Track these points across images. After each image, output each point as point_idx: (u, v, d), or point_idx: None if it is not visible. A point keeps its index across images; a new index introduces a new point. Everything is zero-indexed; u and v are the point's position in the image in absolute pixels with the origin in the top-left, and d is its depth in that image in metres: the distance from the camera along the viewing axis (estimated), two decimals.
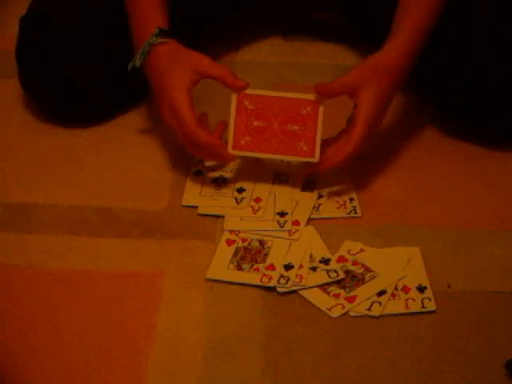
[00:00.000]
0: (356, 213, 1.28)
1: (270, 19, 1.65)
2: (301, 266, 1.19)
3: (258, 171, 1.34)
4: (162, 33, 1.27)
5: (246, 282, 1.18)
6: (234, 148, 1.26)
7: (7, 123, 1.46)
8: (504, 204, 1.31)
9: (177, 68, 1.25)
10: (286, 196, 1.29)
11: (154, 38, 1.26)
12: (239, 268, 1.20)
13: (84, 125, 1.43)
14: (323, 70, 1.55)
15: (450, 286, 1.18)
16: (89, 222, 1.27)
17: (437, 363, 1.09)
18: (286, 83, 1.52)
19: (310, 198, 1.29)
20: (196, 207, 1.29)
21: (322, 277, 1.18)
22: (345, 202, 1.30)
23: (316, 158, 1.25)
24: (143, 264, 1.22)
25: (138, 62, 1.28)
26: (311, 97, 1.24)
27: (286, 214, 1.26)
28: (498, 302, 1.16)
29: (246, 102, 1.25)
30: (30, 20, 1.42)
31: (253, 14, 1.61)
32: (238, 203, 1.29)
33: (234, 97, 1.25)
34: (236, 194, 1.30)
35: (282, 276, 1.18)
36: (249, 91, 1.25)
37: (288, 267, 1.19)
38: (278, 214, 1.26)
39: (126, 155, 1.39)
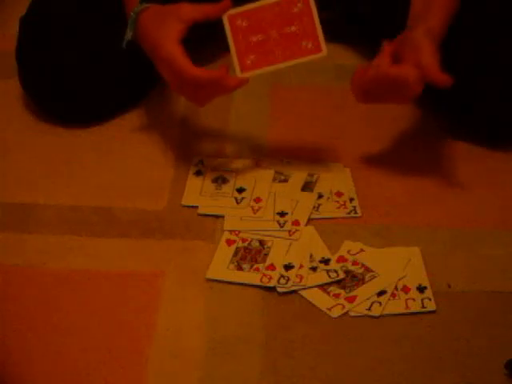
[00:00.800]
0: (356, 213, 1.28)
1: None
2: (301, 266, 1.19)
3: (258, 171, 1.34)
4: (145, 0, 1.27)
5: (245, 281, 1.18)
6: (242, 70, 1.23)
7: (7, 123, 1.46)
8: (504, 204, 1.31)
9: (162, 24, 1.24)
10: (286, 196, 1.29)
11: (139, 6, 1.27)
12: (239, 268, 1.20)
13: (84, 125, 1.43)
14: (323, 70, 1.55)
15: (450, 286, 1.18)
16: (89, 222, 1.27)
17: (437, 363, 1.09)
18: (286, 83, 1.52)
19: (310, 198, 1.29)
20: (196, 207, 1.29)
21: (321, 277, 1.18)
22: (345, 201, 1.30)
23: (324, 52, 1.22)
24: (143, 264, 1.22)
25: (128, 35, 1.28)
26: None
27: (286, 214, 1.26)
28: (498, 302, 1.16)
29: (239, 21, 1.23)
30: (30, 20, 1.42)
31: None
32: (238, 203, 1.29)
33: (225, 21, 1.23)
34: (236, 194, 1.30)
35: (282, 276, 1.18)
36: (237, 10, 1.23)
37: (288, 267, 1.19)
38: (278, 213, 1.26)
39: (126, 155, 1.39)
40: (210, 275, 1.19)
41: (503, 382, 1.07)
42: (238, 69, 1.23)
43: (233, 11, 1.23)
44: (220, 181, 1.33)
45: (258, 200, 1.29)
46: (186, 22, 1.24)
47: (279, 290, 1.17)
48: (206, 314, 1.15)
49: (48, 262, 1.22)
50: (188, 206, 1.29)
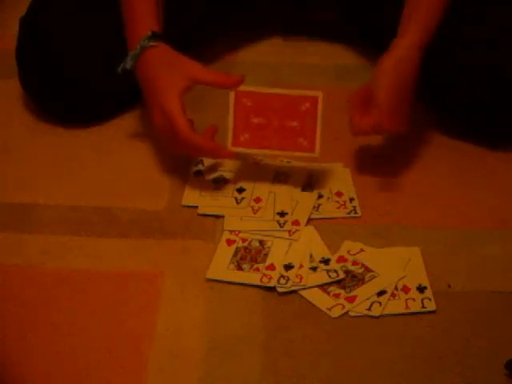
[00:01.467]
0: (356, 213, 1.28)
1: (270, 19, 1.65)
2: (301, 266, 1.19)
3: (258, 171, 1.34)
4: (154, 36, 1.27)
5: (246, 282, 1.18)
6: (233, 145, 1.26)
7: (7, 123, 1.46)
8: (504, 204, 1.31)
9: (169, 74, 1.25)
10: (286, 196, 1.29)
11: (146, 41, 1.26)
12: (239, 268, 1.20)
13: (84, 125, 1.43)
14: (323, 70, 1.55)
15: (450, 286, 1.18)
16: (89, 222, 1.27)
17: (437, 363, 1.09)
18: (286, 83, 1.52)
19: (310, 198, 1.29)
20: (196, 207, 1.29)
21: (322, 277, 1.18)
22: (345, 202, 1.30)
23: (316, 153, 1.26)
24: (143, 264, 1.22)
25: (128, 64, 1.28)
26: (310, 93, 1.25)
27: (286, 213, 1.26)
28: (498, 302, 1.16)
29: (245, 100, 1.25)
30: (30, 20, 1.42)
31: (253, 13, 1.61)
32: (238, 203, 1.29)
33: (232, 94, 1.25)
34: (236, 194, 1.30)
35: (282, 276, 1.18)
36: (247, 88, 1.25)
37: (288, 267, 1.19)
38: (278, 213, 1.26)
39: (126, 155, 1.39)
40: (209, 275, 1.19)
41: (503, 382, 1.07)
42: (230, 142, 1.26)
43: (242, 88, 1.25)
44: (220, 181, 1.33)
45: (257, 200, 1.29)
46: (192, 81, 1.25)
47: (279, 289, 1.17)
48: (206, 314, 1.15)
49: (48, 262, 1.22)
50: (188, 206, 1.29)
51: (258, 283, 1.18)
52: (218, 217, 1.28)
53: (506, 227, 1.27)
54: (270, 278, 1.18)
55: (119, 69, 1.29)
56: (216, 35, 1.57)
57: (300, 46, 1.61)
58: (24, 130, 1.44)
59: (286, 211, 1.27)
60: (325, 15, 1.63)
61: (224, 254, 1.22)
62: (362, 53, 1.57)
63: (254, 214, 1.27)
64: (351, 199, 1.30)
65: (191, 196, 1.31)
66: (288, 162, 1.35)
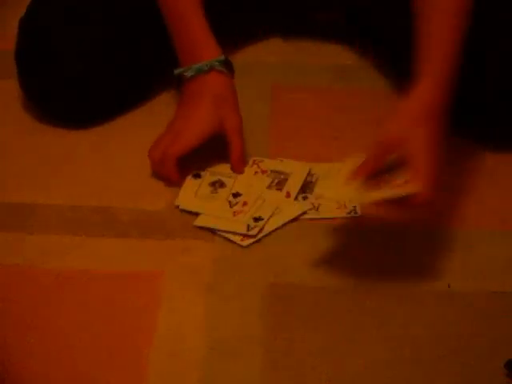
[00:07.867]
0: (356, 213, 1.28)
1: (270, 19, 1.65)
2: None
3: (255, 177, 1.32)
4: (225, 63, 1.30)
5: (217, 213, 1.24)
6: None
7: (7, 123, 1.46)
8: (504, 204, 1.31)
9: (215, 113, 1.28)
10: (273, 204, 1.28)
11: (218, 64, 1.30)
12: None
13: (84, 125, 1.43)
14: (323, 70, 1.55)
15: (449, 286, 1.18)
16: (89, 222, 1.27)
17: (437, 363, 1.09)
18: (286, 83, 1.52)
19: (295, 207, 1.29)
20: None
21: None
22: (345, 201, 1.30)
23: None
24: (143, 264, 1.22)
25: (189, 74, 1.29)
26: None
27: (262, 219, 1.25)
28: (498, 301, 1.16)
29: None
30: (30, 20, 1.42)
31: (253, 13, 1.61)
32: (231, 207, 1.27)
33: None
34: (231, 198, 1.29)
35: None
36: None
37: (257, 219, 1.24)
38: (253, 218, 1.25)
39: (126, 155, 1.39)
40: (179, 203, 1.27)
41: (503, 382, 1.07)
42: None
43: None
44: (217, 185, 1.31)
45: (244, 204, 1.28)
46: (222, 132, 1.29)
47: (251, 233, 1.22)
48: (206, 314, 1.15)
49: (48, 262, 1.22)
50: (184, 211, 1.28)
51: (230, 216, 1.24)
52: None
53: (505, 227, 1.27)
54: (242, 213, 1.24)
55: (176, 72, 1.31)
56: (216, 35, 1.57)
57: (300, 45, 1.61)
58: (24, 130, 1.44)
59: (263, 217, 1.26)
60: (325, 15, 1.63)
61: (192, 186, 1.29)
62: (362, 53, 1.57)
63: (234, 217, 1.26)
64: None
65: (185, 197, 1.29)
66: (288, 162, 1.35)
